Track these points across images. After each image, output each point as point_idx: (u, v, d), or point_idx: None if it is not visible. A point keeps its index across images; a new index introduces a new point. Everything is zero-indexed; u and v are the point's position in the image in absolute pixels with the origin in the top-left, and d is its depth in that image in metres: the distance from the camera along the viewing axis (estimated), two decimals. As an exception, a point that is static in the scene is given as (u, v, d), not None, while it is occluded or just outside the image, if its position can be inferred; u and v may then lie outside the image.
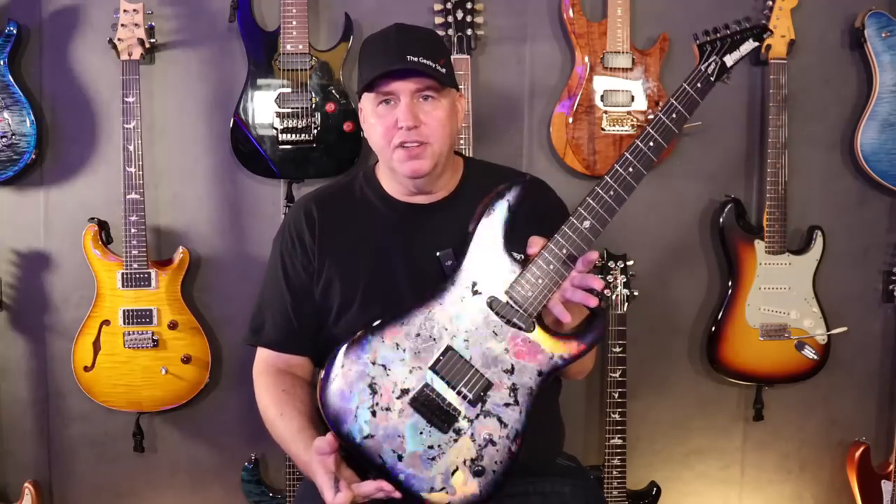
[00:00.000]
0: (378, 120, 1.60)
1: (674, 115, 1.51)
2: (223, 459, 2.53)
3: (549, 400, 1.73)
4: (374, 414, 1.43)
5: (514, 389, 1.46)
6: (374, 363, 1.45)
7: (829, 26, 2.49)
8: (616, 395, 2.37)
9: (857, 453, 2.53)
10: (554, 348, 1.48)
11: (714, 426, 2.61)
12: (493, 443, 1.45)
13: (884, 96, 2.41)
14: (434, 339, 1.47)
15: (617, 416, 2.37)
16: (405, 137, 1.57)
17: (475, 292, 1.49)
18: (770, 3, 2.38)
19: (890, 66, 2.41)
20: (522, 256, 1.50)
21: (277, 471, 2.50)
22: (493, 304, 1.48)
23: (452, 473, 1.41)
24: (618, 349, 2.36)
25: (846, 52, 2.50)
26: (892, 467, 2.48)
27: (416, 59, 1.54)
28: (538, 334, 1.48)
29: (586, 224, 1.47)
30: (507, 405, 1.45)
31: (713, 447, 2.62)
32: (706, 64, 1.53)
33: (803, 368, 2.47)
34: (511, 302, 1.48)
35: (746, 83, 2.50)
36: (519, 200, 1.51)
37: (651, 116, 2.37)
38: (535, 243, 1.50)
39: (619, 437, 2.38)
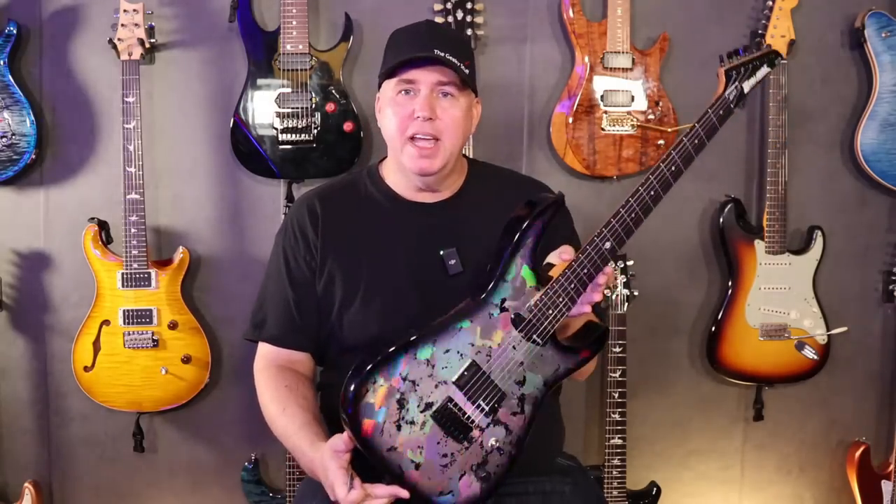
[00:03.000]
0: (395, 108, 1.61)
1: (696, 141, 1.55)
2: (223, 459, 2.53)
3: (549, 400, 1.73)
4: (398, 428, 1.45)
5: (521, 399, 1.50)
6: (404, 379, 1.47)
7: (829, 26, 2.49)
8: (616, 395, 2.37)
9: (857, 453, 2.53)
10: (561, 361, 1.53)
11: (714, 426, 2.61)
12: (499, 450, 1.49)
13: (884, 96, 2.41)
14: (461, 355, 1.49)
15: (617, 416, 2.37)
16: (419, 128, 1.59)
17: (503, 309, 1.52)
18: (770, 3, 2.38)
19: (890, 66, 2.41)
20: (545, 273, 1.55)
21: (277, 471, 2.50)
22: (516, 320, 1.51)
23: (460, 478, 1.46)
24: (618, 349, 2.36)
25: (846, 52, 2.50)
26: (892, 467, 2.48)
27: (442, 54, 1.57)
28: (549, 347, 1.52)
29: (607, 245, 1.51)
30: (514, 414, 1.49)
31: (713, 447, 2.62)
32: (729, 91, 1.57)
33: (803, 368, 2.47)
34: (534, 319, 1.51)
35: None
36: (552, 219, 1.55)
37: (651, 117, 2.38)
38: (562, 257, 1.52)
39: (619, 437, 2.38)
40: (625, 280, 2.36)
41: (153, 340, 2.31)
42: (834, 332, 2.45)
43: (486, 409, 1.48)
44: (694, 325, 2.57)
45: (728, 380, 2.52)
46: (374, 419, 1.44)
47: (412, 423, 1.45)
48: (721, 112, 1.56)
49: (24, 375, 2.48)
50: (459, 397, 1.47)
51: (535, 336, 1.50)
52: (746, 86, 1.58)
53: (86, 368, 2.33)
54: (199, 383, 2.37)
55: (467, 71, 1.61)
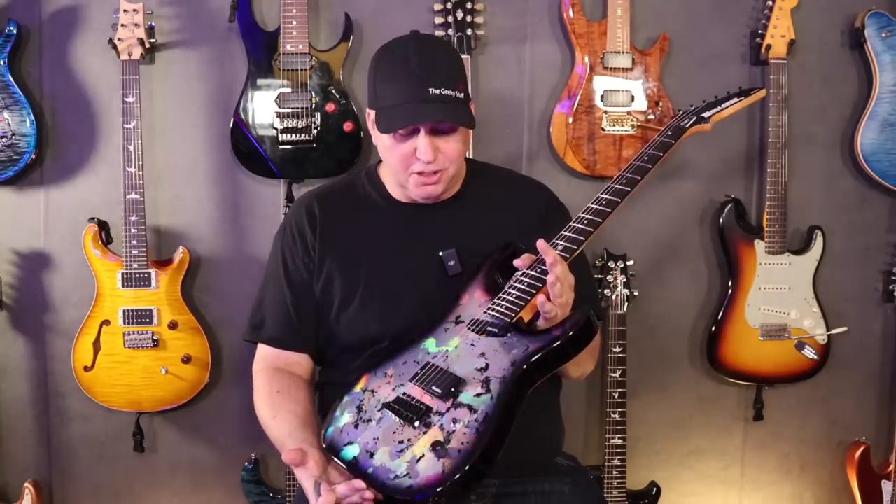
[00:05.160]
0: (394, 145, 1.59)
1: (645, 157, 1.64)
2: (223, 459, 2.53)
3: (549, 400, 1.73)
4: (356, 426, 1.48)
5: (486, 382, 1.46)
6: (363, 390, 1.53)
7: (829, 26, 2.49)
8: (616, 395, 2.37)
9: (857, 453, 2.53)
10: (529, 341, 1.49)
11: (714, 426, 2.61)
12: (460, 426, 1.41)
13: (884, 96, 2.41)
14: (417, 363, 1.53)
15: (617, 416, 2.37)
16: (424, 168, 1.59)
17: (458, 322, 1.57)
18: (770, 3, 2.38)
19: (890, 66, 2.41)
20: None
21: (277, 471, 2.50)
22: (471, 323, 1.55)
23: (418, 460, 1.39)
24: (618, 349, 2.36)
25: (846, 52, 2.50)
26: (892, 467, 2.48)
27: (437, 91, 1.53)
28: (511, 336, 1.50)
29: (560, 247, 1.54)
30: (477, 395, 1.44)
31: (713, 447, 2.62)
32: (678, 120, 1.71)
33: (803, 368, 2.47)
34: (488, 317, 1.53)
35: (746, 83, 2.49)
36: (502, 256, 1.65)
37: (651, 117, 2.38)
38: (518, 263, 1.56)
39: (619, 437, 2.38)
40: (625, 280, 2.36)
41: (153, 340, 2.31)
42: (834, 332, 2.44)
43: (440, 391, 1.45)
44: (694, 325, 2.57)
45: (728, 380, 2.52)
46: (337, 425, 1.50)
47: (369, 420, 1.48)
48: (669, 133, 1.68)
49: (24, 375, 2.48)
50: (413, 390, 1.48)
51: (488, 328, 1.51)
52: (707, 114, 1.71)
53: (86, 368, 2.33)
54: (199, 383, 2.37)
55: (462, 95, 1.57)
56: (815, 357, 2.45)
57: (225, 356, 2.48)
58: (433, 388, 1.46)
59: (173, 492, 2.54)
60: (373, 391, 1.52)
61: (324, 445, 1.50)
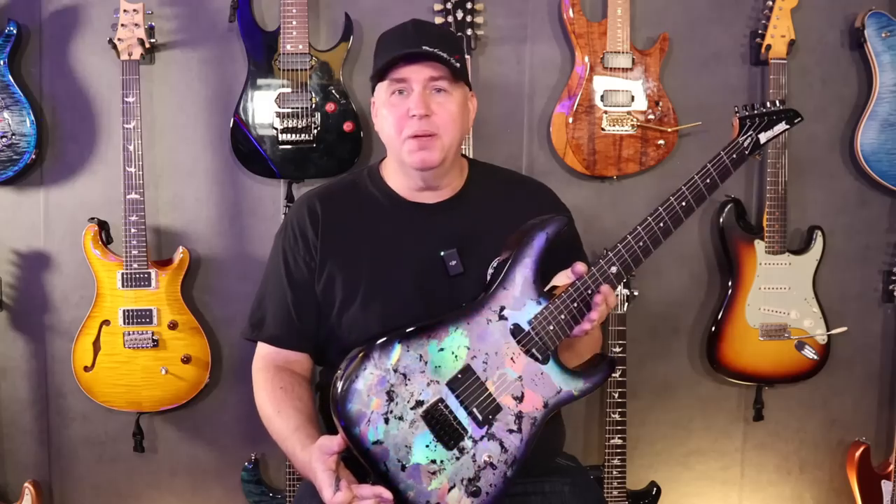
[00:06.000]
0: (390, 109, 1.61)
1: (707, 181, 1.59)
2: (223, 459, 2.53)
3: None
4: (386, 421, 1.44)
5: (519, 417, 1.49)
6: (395, 371, 1.46)
7: (829, 26, 2.49)
8: (616, 395, 2.37)
9: (857, 453, 2.53)
10: (562, 383, 1.53)
11: (714, 426, 2.61)
12: (492, 466, 1.48)
13: (884, 96, 2.41)
14: (455, 356, 1.49)
15: (617, 416, 2.37)
16: (416, 127, 1.58)
17: (501, 317, 1.53)
18: (770, 3, 2.38)
19: (890, 66, 2.41)
20: (547, 288, 1.57)
21: (277, 471, 2.50)
22: (515, 331, 1.52)
23: (449, 490, 1.43)
24: (618, 349, 2.36)
25: (846, 52, 2.50)
26: (892, 467, 2.48)
27: (431, 49, 1.57)
28: (551, 367, 1.52)
29: (613, 269, 1.55)
30: (510, 431, 1.49)
31: (713, 447, 2.62)
32: (744, 137, 1.61)
33: (803, 368, 2.47)
34: (533, 332, 1.52)
35: (746, 83, 2.50)
36: (556, 235, 1.57)
37: (651, 117, 2.38)
38: (575, 269, 1.54)
39: (619, 437, 2.38)
40: (625, 280, 2.36)
41: (153, 340, 2.31)
42: (834, 332, 2.44)
43: (480, 418, 1.47)
44: (694, 325, 2.57)
45: (728, 380, 2.52)
46: (361, 407, 1.43)
47: (400, 418, 1.44)
48: (734, 156, 1.61)
49: (24, 375, 2.48)
50: (452, 400, 1.47)
51: (534, 350, 1.51)
52: (763, 137, 1.62)
53: (86, 368, 2.33)
54: (199, 383, 2.37)
55: (458, 64, 1.61)
56: (815, 357, 2.45)
57: (225, 356, 2.48)
58: (474, 409, 1.47)
59: (173, 492, 2.54)
60: (405, 376, 1.45)
61: (342, 420, 1.42)
